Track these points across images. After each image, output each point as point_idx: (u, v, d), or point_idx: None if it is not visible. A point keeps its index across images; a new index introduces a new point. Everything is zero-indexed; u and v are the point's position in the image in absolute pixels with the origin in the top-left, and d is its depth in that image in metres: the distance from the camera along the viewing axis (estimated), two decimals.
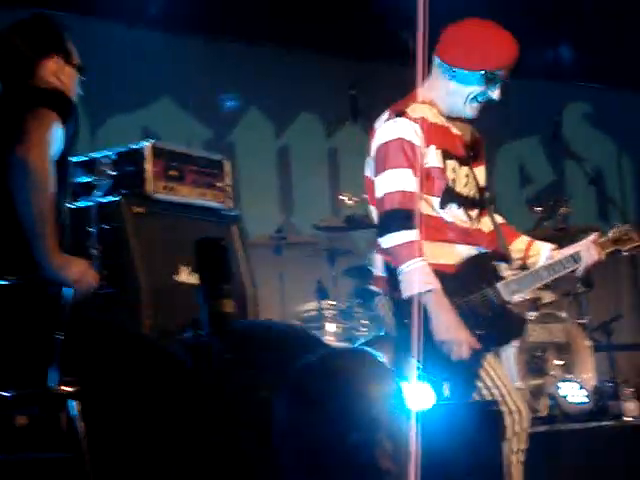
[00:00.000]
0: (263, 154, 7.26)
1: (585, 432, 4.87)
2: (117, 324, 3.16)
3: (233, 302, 2.22)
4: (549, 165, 8.21)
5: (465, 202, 3.14)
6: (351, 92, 5.55)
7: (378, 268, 3.15)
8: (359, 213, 5.88)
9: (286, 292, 5.95)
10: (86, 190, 4.27)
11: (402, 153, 3.02)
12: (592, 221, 7.49)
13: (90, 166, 4.33)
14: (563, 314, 5.68)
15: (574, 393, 5.23)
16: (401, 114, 3.08)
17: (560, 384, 5.27)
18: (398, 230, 2.97)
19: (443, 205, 3.09)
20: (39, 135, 2.75)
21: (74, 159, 3.54)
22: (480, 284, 3.04)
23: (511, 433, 3.03)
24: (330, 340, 5.47)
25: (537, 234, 6.36)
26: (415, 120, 3.05)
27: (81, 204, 4.17)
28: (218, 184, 4.82)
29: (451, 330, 2.92)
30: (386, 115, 3.15)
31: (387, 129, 3.09)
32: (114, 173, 4.27)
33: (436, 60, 3.16)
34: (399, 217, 2.98)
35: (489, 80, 3.09)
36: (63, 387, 2.68)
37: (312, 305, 5.79)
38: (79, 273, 2.76)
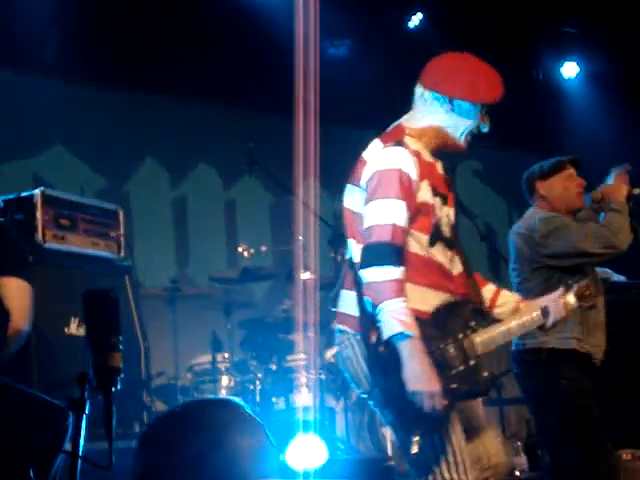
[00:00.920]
0: (159, 204, 7.19)
1: None
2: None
3: (122, 355, 2.16)
4: None
5: (447, 243, 3.00)
6: (249, 145, 5.57)
7: (347, 305, 2.94)
8: (255, 265, 5.88)
9: (180, 344, 5.85)
10: None
11: (399, 184, 2.84)
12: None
13: None
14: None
15: None
16: (400, 144, 2.92)
17: None
18: (384, 265, 2.78)
19: (433, 243, 2.93)
20: None
21: None
22: (456, 334, 2.88)
23: None
24: (223, 393, 5.40)
25: None
26: (414, 152, 2.92)
27: None
28: (111, 234, 4.74)
29: (424, 380, 2.74)
30: (379, 144, 2.97)
31: (385, 157, 2.90)
32: (2, 220, 4.15)
33: (427, 93, 3.02)
34: (387, 252, 2.79)
35: (486, 112, 3.01)
36: None
37: (206, 358, 5.71)
38: None
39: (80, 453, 2.06)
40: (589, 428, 3.80)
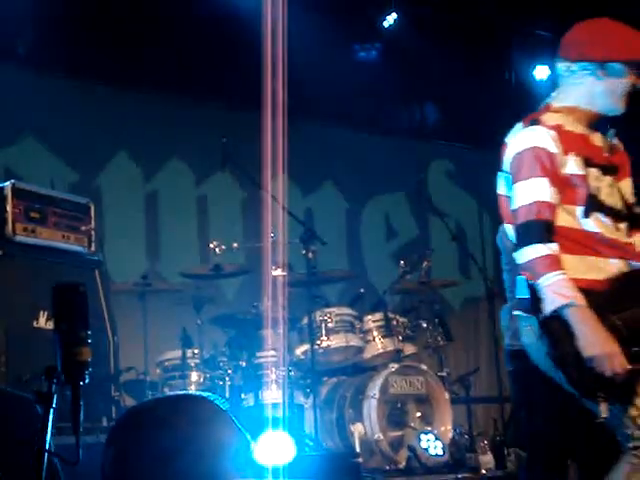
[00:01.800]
0: (130, 198, 7.15)
1: None
2: None
3: (91, 349, 2.15)
4: (414, 220, 8.43)
5: (611, 213, 2.94)
6: (223, 140, 5.57)
7: (519, 290, 2.94)
8: (227, 261, 5.88)
9: (150, 339, 5.83)
10: None
11: (537, 162, 2.86)
12: (454, 275, 7.71)
13: None
14: (423, 366, 5.80)
15: (431, 445, 5.32)
16: (536, 122, 2.93)
17: (422, 436, 5.35)
18: (533, 243, 2.80)
19: (587, 214, 2.90)
20: None
21: None
22: (636, 302, 2.81)
23: None
24: (192, 389, 5.40)
25: (400, 287, 6.54)
26: (551, 127, 2.91)
27: None
28: (82, 227, 4.72)
29: (599, 344, 2.69)
30: (519, 126, 2.99)
31: (521, 138, 2.93)
32: None
33: (574, 65, 3.00)
34: (534, 229, 2.81)
35: (637, 68, 2.97)
36: None
37: (176, 353, 5.70)
38: None
39: (47, 447, 2.06)
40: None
